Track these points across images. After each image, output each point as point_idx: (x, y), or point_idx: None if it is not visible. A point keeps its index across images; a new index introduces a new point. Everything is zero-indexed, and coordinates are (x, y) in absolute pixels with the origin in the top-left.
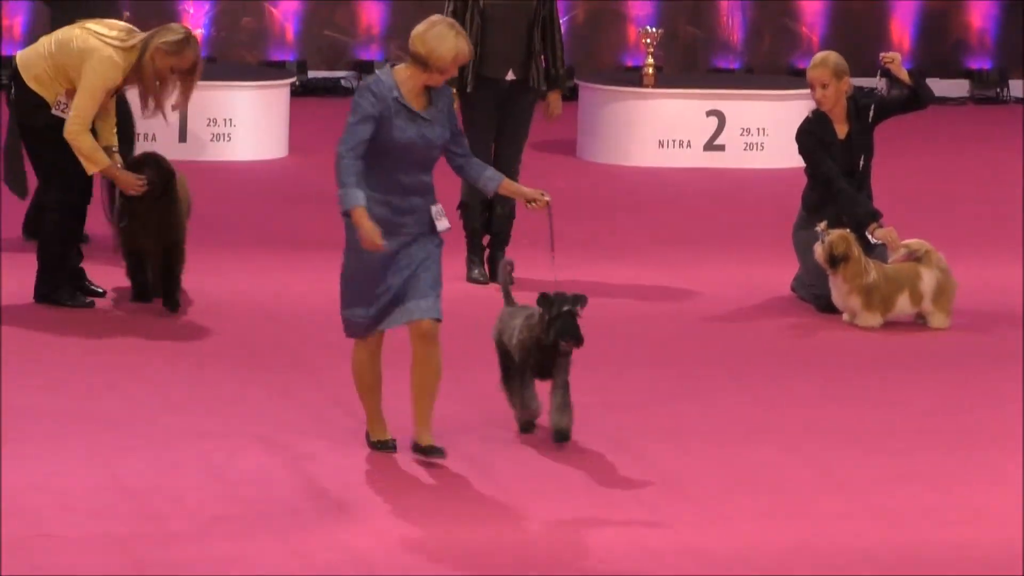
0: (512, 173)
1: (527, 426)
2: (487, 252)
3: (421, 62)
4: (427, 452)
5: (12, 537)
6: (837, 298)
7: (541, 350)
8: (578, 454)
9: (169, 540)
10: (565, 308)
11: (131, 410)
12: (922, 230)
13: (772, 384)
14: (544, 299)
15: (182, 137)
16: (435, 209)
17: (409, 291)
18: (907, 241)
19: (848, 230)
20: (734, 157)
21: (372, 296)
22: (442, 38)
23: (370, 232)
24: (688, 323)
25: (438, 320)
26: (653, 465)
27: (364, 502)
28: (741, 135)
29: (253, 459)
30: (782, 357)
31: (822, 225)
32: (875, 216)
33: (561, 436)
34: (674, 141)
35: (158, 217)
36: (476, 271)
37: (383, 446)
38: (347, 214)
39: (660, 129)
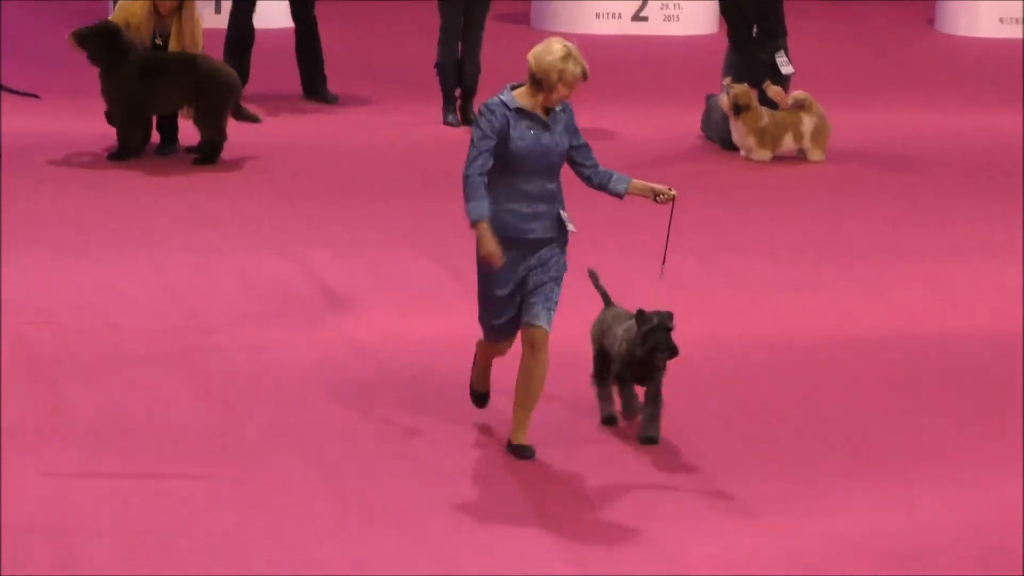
0: (477, 40)
1: (609, 420)
2: (459, 102)
3: (534, 81)
4: (519, 451)
5: (82, 327)
6: (736, 138)
7: (638, 361)
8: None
9: (206, 330)
10: (658, 323)
11: (177, 227)
12: (812, 79)
13: (687, 208)
14: (640, 315)
15: None
16: (564, 215)
17: (525, 299)
18: (794, 94)
19: (747, 84)
20: (656, 26)
21: (499, 309)
22: (550, 55)
23: (489, 246)
24: (614, 162)
25: (546, 331)
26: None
27: (367, 301)
28: (661, 8)
29: (275, 265)
30: (687, 184)
31: (727, 80)
32: (772, 77)
33: (649, 441)
34: (608, 12)
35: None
36: (450, 116)
37: (480, 397)
38: (473, 226)
39: (597, 3)
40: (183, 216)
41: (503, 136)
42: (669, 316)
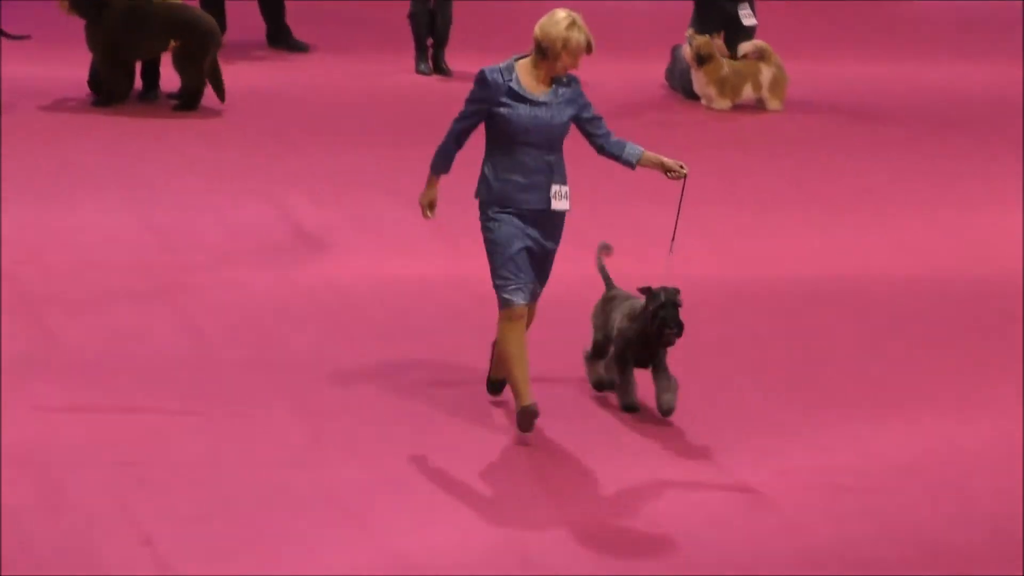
0: None
1: (600, 385)
2: (431, 51)
3: (539, 50)
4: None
5: (68, 266)
6: (698, 88)
7: (644, 341)
8: None
9: (188, 269)
10: (667, 299)
11: (160, 170)
12: (772, 31)
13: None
14: (648, 292)
15: None
16: (555, 188)
17: (534, 273)
18: (754, 41)
19: (709, 36)
20: None
21: (506, 269)
22: (555, 24)
23: (424, 196)
24: None
25: (528, 306)
26: None
27: (343, 244)
28: None
29: (255, 209)
30: (655, 132)
31: (690, 31)
32: (735, 28)
33: (669, 411)
34: None
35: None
36: (422, 65)
37: (528, 414)
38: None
39: None
40: (165, 160)
41: (497, 107)
42: (676, 292)
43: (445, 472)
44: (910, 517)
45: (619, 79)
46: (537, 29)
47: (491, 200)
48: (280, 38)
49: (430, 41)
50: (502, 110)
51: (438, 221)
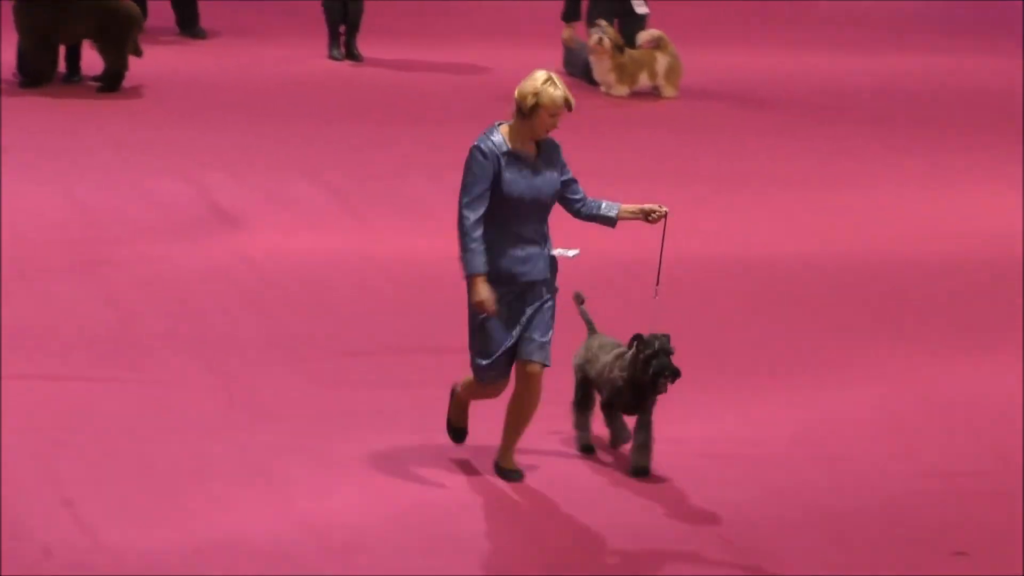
0: None
1: (587, 449)
2: (343, 38)
3: (519, 111)
4: (507, 475)
5: None
6: (597, 75)
7: (635, 389)
8: None
9: (109, 243)
10: (661, 347)
11: (83, 149)
12: (666, 20)
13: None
14: (640, 339)
15: None
16: (558, 251)
17: (522, 334)
18: (651, 31)
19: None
20: None
21: (493, 349)
22: (532, 81)
23: (482, 295)
24: (483, 97)
25: (545, 365)
26: None
27: (256, 220)
28: None
29: (174, 186)
30: None
31: (603, 23)
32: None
33: (641, 472)
34: None
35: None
36: (335, 51)
37: (459, 434)
38: (468, 278)
39: None
40: (88, 139)
41: (496, 178)
42: (668, 339)
43: (355, 439)
44: (795, 483)
45: (518, 64)
46: (516, 91)
47: (487, 278)
48: (187, 25)
49: (343, 28)
50: (499, 182)
51: (345, 198)
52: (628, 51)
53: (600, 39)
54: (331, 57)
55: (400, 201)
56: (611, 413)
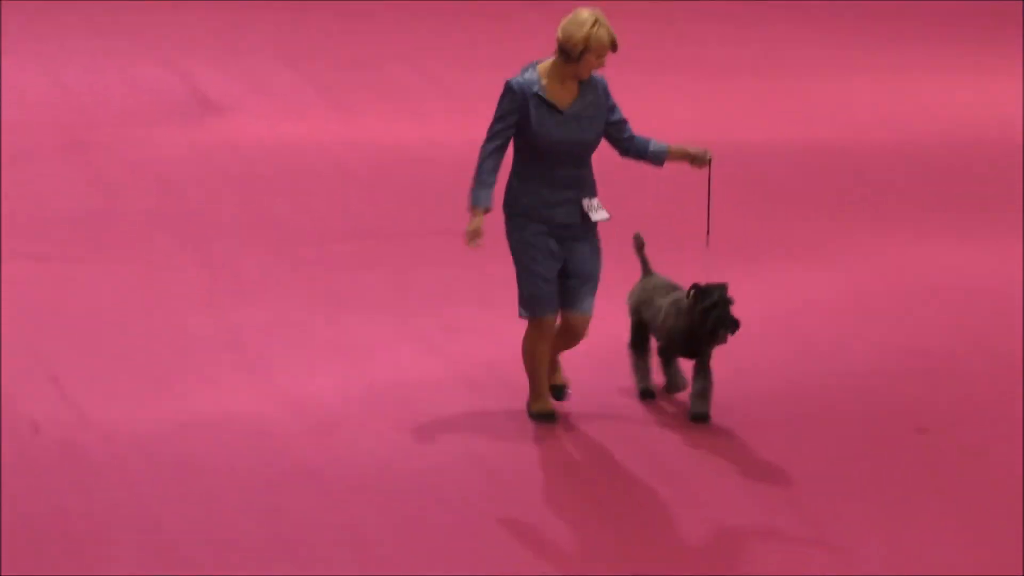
0: None
1: (646, 394)
2: None
3: (563, 51)
4: (554, 392)
5: None
6: None
7: (693, 337)
8: None
9: (95, 126)
10: (720, 297)
11: (69, 35)
12: None
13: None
14: (698, 289)
15: None
16: (586, 203)
17: (567, 283)
18: None
19: None
20: None
21: (534, 282)
22: (579, 24)
23: (470, 232)
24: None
25: (589, 316)
26: None
27: (239, 106)
28: None
29: (157, 71)
30: None
31: None
32: None
33: (700, 418)
34: None
35: None
36: None
37: (544, 417)
38: (469, 209)
39: None
40: (72, 24)
41: (526, 119)
42: (726, 289)
43: (337, 320)
44: (765, 361)
45: None
46: (559, 31)
47: (518, 212)
48: None
49: None
50: (529, 124)
51: (325, 85)
52: None
53: None
54: None
55: (381, 88)
56: (667, 359)
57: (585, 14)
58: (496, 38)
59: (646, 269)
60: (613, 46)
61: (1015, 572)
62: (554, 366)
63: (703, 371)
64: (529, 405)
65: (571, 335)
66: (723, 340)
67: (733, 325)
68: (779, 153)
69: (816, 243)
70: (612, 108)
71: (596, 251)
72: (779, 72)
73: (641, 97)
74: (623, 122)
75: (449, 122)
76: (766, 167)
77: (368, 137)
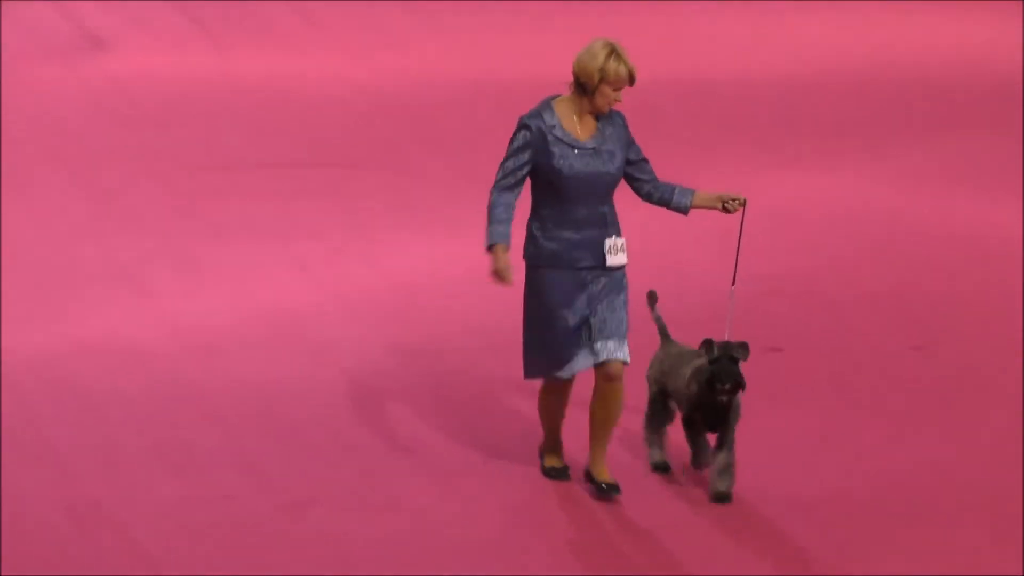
0: None
1: (660, 467)
2: None
3: (578, 84)
4: (603, 490)
5: None
6: None
7: (710, 402)
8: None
9: None
10: (722, 353)
11: None
12: None
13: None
14: (705, 344)
15: None
16: (609, 243)
17: (595, 334)
18: None
19: None
20: None
21: (554, 340)
22: (593, 56)
23: (499, 269)
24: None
25: (625, 363)
26: None
27: (122, 43)
28: None
29: (38, 10)
30: None
31: None
32: None
33: (721, 498)
34: None
35: None
36: None
37: (557, 473)
38: (488, 250)
39: None
40: None
41: (543, 156)
42: (738, 346)
43: (221, 246)
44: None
45: None
46: (575, 64)
47: (540, 261)
48: None
49: None
50: (548, 160)
51: (208, 25)
52: None
53: None
54: None
55: (258, 24)
56: (692, 431)
57: (599, 45)
58: None
59: (665, 336)
60: (631, 79)
61: None
62: (599, 452)
63: (724, 445)
64: (542, 458)
65: (609, 388)
66: (722, 400)
67: (732, 383)
68: (655, 87)
69: (692, 172)
70: (632, 145)
71: (622, 295)
72: (655, 7)
73: (514, 29)
74: (643, 161)
75: (328, 58)
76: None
77: (248, 71)
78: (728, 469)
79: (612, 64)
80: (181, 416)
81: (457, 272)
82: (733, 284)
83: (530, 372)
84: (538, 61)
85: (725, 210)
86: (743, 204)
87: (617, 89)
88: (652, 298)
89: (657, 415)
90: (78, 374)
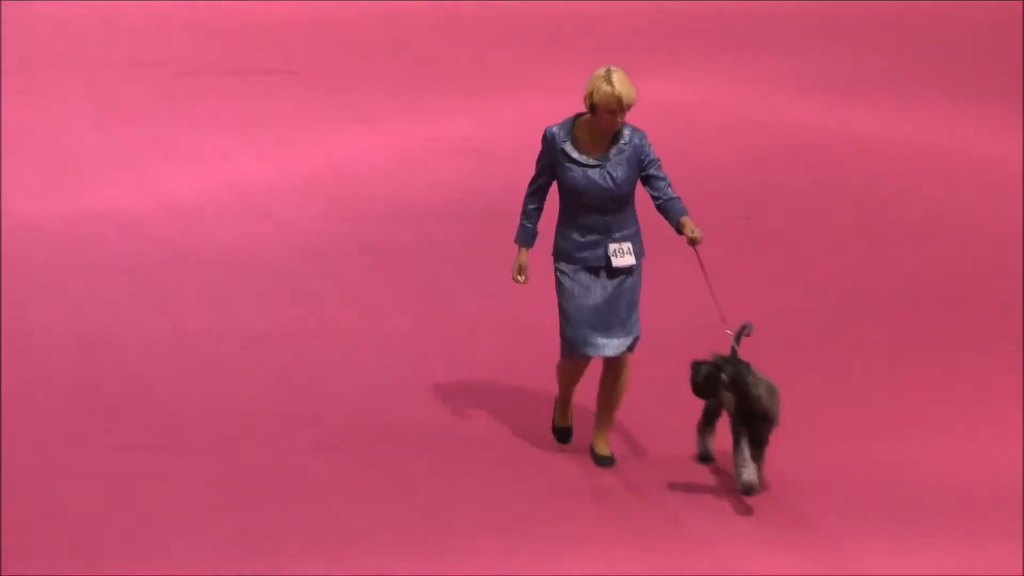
0: None
1: (704, 458)
2: None
3: (587, 106)
4: (600, 460)
5: None
6: None
7: (747, 421)
8: None
9: None
10: (705, 370)
11: None
12: None
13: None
14: (693, 365)
15: None
16: (613, 247)
17: (602, 326)
18: None
19: None
20: None
21: (567, 327)
22: (591, 80)
23: (516, 268)
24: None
25: (629, 351)
26: None
27: None
28: None
29: None
30: None
31: None
32: None
33: (747, 488)
34: None
35: None
36: None
37: (559, 434)
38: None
39: None
40: None
41: (558, 168)
42: (726, 359)
43: (205, 134)
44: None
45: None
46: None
47: (557, 255)
48: None
49: None
50: (558, 171)
51: None
52: None
53: None
54: None
55: None
56: (735, 438)
57: (600, 71)
58: None
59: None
60: (618, 102)
61: None
62: (601, 428)
63: (754, 447)
64: (554, 418)
65: (613, 375)
66: (699, 393)
67: (695, 388)
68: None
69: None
70: (651, 162)
71: (628, 294)
72: None
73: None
74: (657, 179)
75: None
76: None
77: None
78: (748, 461)
79: (604, 88)
80: (167, 269)
81: (386, 158)
82: (721, 315)
83: (561, 353)
84: None
85: (691, 242)
86: (693, 241)
87: (611, 112)
88: (746, 331)
89: (708, 419)
90: (83, 236)
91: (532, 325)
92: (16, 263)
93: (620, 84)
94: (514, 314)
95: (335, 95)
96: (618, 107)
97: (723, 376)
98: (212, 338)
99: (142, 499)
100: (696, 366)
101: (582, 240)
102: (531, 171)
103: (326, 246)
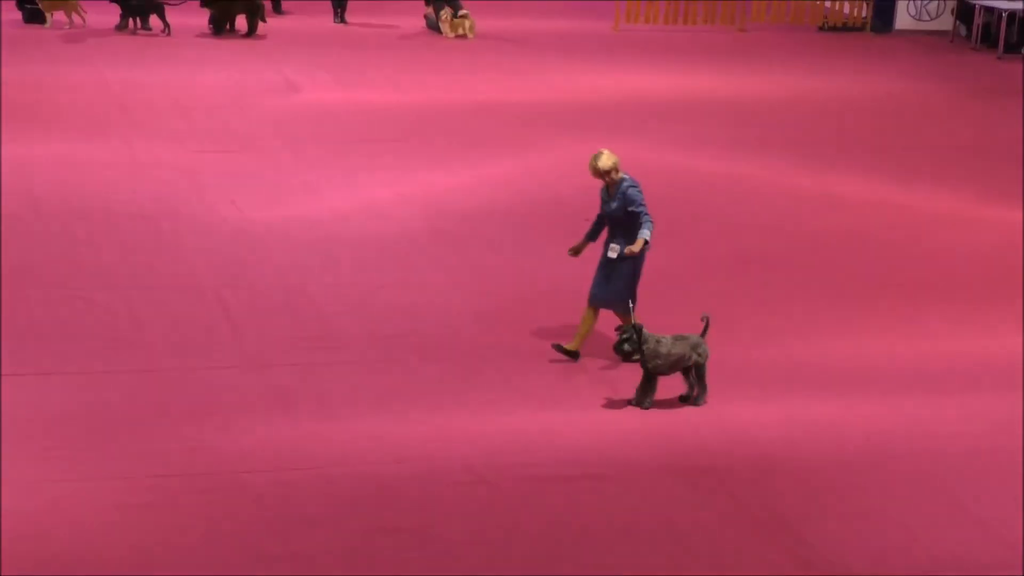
0: None
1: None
2: (340, 11)
3: None
4: (564, 351)
5: None
6: (443, 28)
7: (644, 367)
8: None
9: None
10: (619, 337)
11: None
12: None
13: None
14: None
15: None
16: (612, 245)
17: (599, 291)
18: (463, 11)
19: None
20: None
21: (593, 282)
22: (592, 157)
23: (572, 249)
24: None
25: (599, 308)
26: None
27: None
28: None
29: None
30: (423, 42)
31: (441, 6)
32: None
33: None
34: None
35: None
36: (336, 19)
37: (567, 352)
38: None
39: None
40: None
41: (601, 201)
42: (627, 330)
43: (206, 72)
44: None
45: (408, 27)
46: None
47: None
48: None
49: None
50: (602, 200)
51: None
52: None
53: (443, 15)
54: (336, 22)
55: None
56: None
57: (596, 151)
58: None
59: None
60: (595, 171)
61: None
62: (576, 340)
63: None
64: (571, 344)
65: (589, 314)
66: (622, 352)
67: (617, 351)
68: None
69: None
70: (630, 204)
71: (622, 276)
72: None
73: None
74: (634, 212)
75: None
76: None
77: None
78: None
79: (590, 164)
80: (335, 247)
81: (454, 186)
82: (632, 306)
83: (590, 300)
84: None
85: (630, 252)
86: (633, 252)
87: (597, 176)
88: (705, 319)
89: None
90: (284, 231)
91: (566, 291)
92: (256, 250)
93: (595, 161)
94: (557, 282)
95: (423, 150)
96: (596, 174)
97: (627, 340)
98: (371, 288)
99: None
100: (618, 336)
101: (611, 243)
102: (556, 197)
103: (421, 236)
